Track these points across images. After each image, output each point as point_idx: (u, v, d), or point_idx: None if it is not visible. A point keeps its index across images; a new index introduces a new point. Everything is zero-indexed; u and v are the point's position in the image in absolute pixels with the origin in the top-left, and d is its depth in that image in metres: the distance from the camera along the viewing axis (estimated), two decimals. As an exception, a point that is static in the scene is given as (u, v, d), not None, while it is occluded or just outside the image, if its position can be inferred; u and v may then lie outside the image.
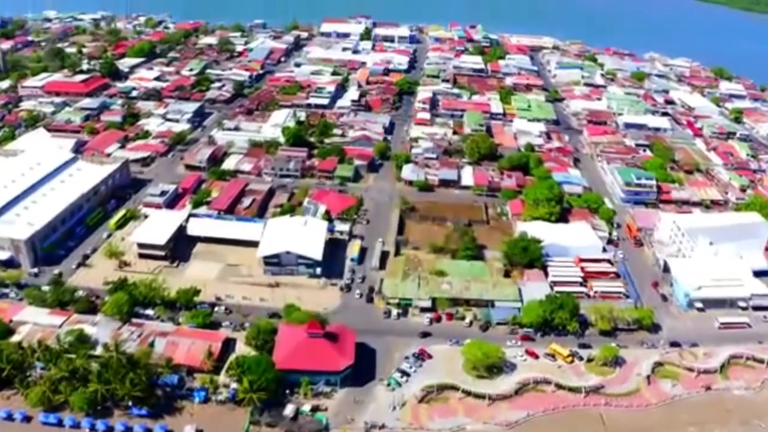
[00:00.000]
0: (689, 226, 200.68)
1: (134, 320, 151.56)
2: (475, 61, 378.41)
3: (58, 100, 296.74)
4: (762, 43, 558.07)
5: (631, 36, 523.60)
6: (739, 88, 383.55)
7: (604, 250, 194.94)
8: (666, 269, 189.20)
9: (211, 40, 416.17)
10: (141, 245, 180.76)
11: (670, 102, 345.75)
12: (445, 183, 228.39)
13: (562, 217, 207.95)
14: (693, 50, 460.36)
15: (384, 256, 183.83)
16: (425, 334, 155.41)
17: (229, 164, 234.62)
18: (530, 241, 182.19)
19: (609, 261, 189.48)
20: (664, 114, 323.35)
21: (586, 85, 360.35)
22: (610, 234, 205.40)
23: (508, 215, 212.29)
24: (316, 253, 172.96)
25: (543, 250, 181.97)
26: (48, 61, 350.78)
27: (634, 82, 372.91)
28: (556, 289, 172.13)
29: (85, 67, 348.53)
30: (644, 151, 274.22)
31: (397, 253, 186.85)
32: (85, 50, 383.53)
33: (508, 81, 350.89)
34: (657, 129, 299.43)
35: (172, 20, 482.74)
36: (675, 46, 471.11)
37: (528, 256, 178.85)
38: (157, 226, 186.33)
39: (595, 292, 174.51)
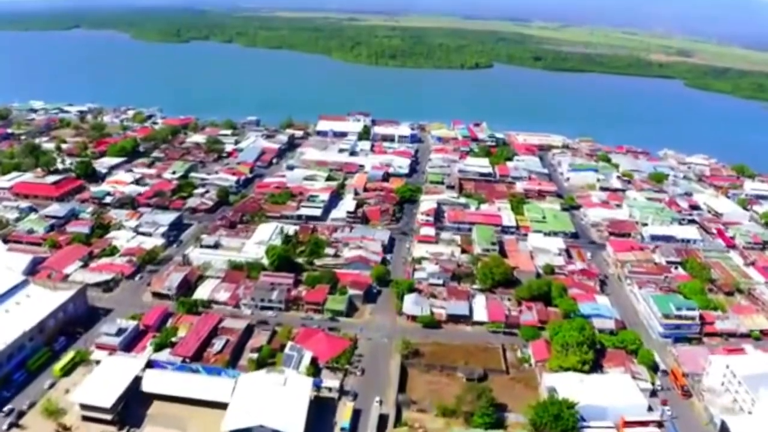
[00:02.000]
0: (746, 373, 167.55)
1: None
2: (481, 164, 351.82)
3: (24, 204, 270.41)
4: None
5: (640, 129, 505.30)
6: (764, 187, 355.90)
7: (650, 408, 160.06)
8: (723, 430, 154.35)
9: (199, 138, 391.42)
10: (84, 406, 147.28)
11: (695, 207, 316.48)
12: (454, 318, 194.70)
13: (595, 361, 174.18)
14: (706, 144, 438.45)
15: (382, 421, 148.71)
16: None
17: (202, 292, 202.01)
18: (562, 404, 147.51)
19: (658, 423, 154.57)
20: (691, 221, 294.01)
21: (603, 189, 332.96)
22: (653, 384, 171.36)
23: (531, 361, 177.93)
24: (297, 426, 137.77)
25: (577, 414, 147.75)
26: (22, 158, 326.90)
27: (653, 184, 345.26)
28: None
29: (60, 166, 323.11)
30: (676, 268, 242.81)
31: (398, 418, 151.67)
32: (64, 146, 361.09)
33: (519, 186, 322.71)
34: (686, 241, 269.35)
35: (162, 115, 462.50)
36: (687, 140, 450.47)
37: (560, 425, 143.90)
38: (107, 378, 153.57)
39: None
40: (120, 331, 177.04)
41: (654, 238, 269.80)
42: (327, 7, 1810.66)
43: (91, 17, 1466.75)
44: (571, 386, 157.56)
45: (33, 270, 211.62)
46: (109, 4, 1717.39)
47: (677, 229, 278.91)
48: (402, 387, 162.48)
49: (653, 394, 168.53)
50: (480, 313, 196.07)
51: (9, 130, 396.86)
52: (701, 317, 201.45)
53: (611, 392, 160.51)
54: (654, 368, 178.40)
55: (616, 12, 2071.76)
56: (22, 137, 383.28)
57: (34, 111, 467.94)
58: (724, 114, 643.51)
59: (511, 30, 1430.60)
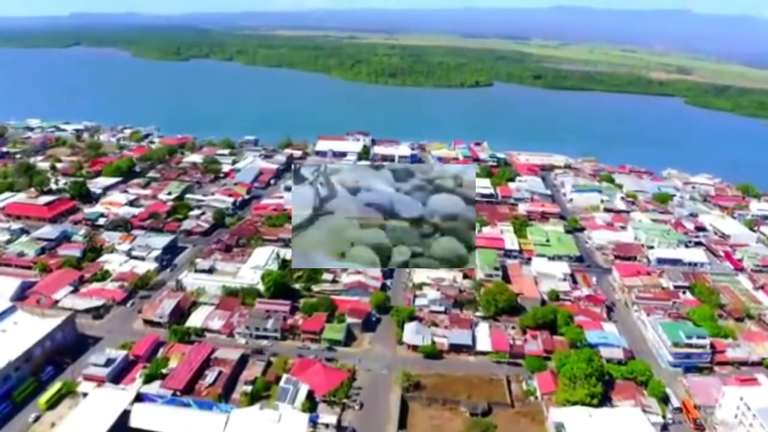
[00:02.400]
0: (761, 405, 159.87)
1: None
2: (483, 185, 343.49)
3: (15, 226, 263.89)
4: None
5: (642, 148, 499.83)
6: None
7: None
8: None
9: (196, 158, 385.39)
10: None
11: (701, 228, 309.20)
12: (456, 348, 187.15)
13: (604, 393, 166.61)
14: (709, 163, 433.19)
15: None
16: None
17: (195, 320, 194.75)
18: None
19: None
20: (698, 244, 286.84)
21: (607, 210, 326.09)
22: (664, 417, 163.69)
23: (537, 394, 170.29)
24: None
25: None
26: (16, 178, 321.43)
27: (658, 205, 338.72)
28: None
29: (54, 186, 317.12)
30: (684, 293, 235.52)
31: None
32: (59, 165, 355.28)
33: (521, 208, 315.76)
34: (693, 264, 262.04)
35: (159, 134, 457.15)
36: (690, 159, 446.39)
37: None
38: (94, 412, 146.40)
39: None
40: (109, 362, 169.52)
41: (660, 261, 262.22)
42: (327, 25, 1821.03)
43: (91, 35, 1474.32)
44: (579, 421, 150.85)
45: (22, 295, 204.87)
46: (110, 23, 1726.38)
47: (684, 252, 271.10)
48: (402, 422, 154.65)
49: (665, 428, 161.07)
50: (483, 343, 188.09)
51: (4, 149, 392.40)
52: (712, 345, 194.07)
53: (621, 428, 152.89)
54: (665, 400, 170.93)
55: (615, 30, 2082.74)
56: (17, 156, 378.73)
57: (31, 129, 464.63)
58: (726, 132, 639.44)
59: (511, 48, 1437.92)
